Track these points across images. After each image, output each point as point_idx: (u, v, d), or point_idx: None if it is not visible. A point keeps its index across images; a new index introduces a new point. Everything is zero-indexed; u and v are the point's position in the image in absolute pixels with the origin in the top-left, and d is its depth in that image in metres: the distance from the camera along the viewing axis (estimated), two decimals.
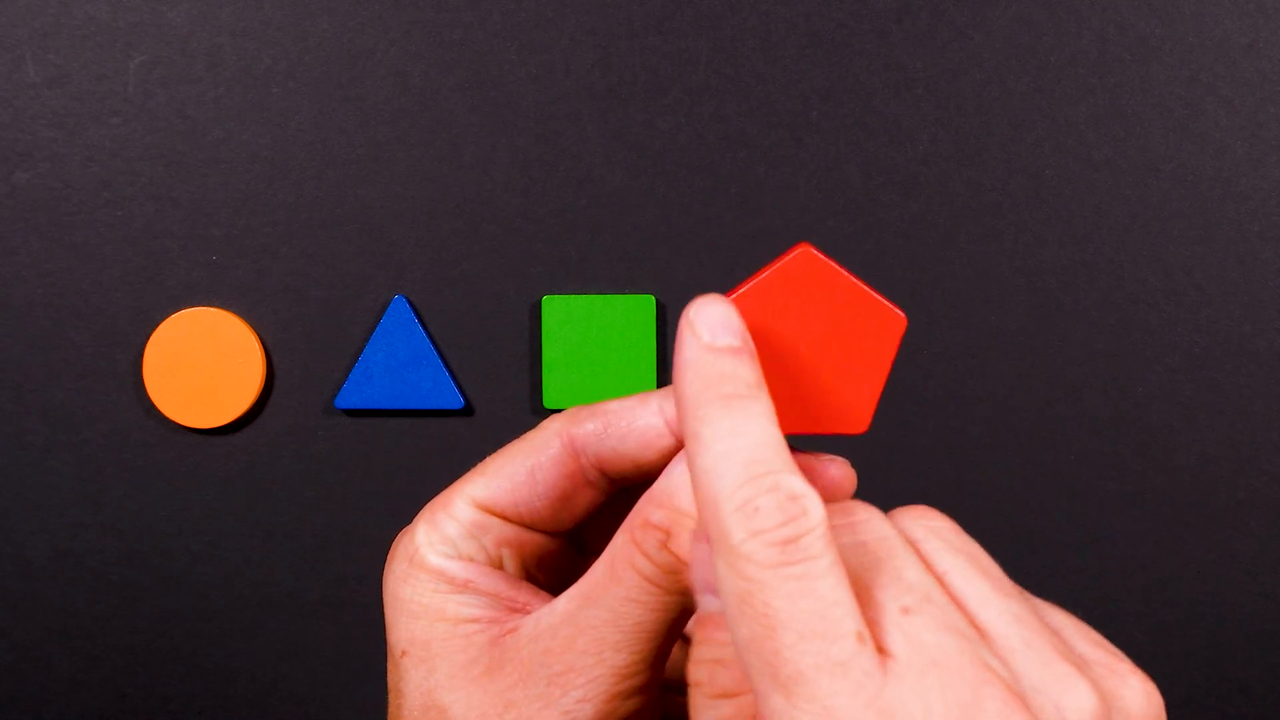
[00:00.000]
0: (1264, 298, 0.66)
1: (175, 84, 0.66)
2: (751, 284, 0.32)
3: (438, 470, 0.67)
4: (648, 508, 0.33)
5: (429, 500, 0.36)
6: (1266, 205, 0.66)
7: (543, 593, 0.35)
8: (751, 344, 0.30)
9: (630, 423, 0.35)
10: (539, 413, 0.67)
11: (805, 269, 0.32)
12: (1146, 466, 0.67)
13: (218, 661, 0.68)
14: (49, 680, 0.68)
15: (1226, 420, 0.66)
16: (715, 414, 0.29)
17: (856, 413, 0.33)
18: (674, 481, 0.33)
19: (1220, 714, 0.67)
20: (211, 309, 0.66)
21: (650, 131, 0.66)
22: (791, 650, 0.27)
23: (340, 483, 0.67)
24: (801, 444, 0.32)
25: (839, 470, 0.33)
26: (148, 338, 0.66)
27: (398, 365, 0.66)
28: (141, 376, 0.67)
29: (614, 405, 0.35)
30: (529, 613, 0.34)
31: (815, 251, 0.32)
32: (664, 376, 0.67)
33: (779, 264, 0.32)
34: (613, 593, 0.33)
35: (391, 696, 0.35)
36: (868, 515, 0.31)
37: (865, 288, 0.32)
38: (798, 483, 0.28)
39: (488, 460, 0.36)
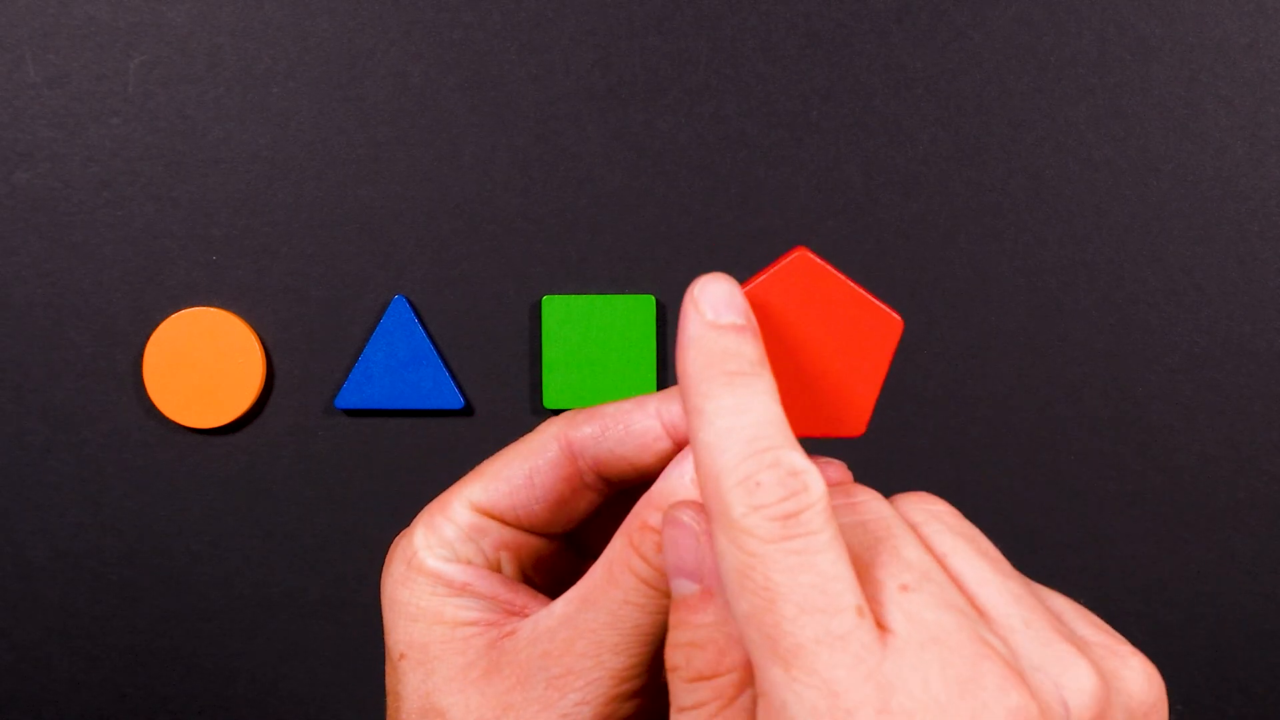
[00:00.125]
0: (1264, 298, 0.66)
1: (175, 84, 0.66)
2: (748, 287, 0.32)
3: (438, 470, 0.67)
4: (646, 510, 0.33)
5: (429, 500, 0.36)
6: (1266, 205, 0.66)
7: (541, 596, 0.35)
8: (755, 323, 0.30)
9: (628, 425, 0.35)
10: (539, 413, 0.67)
11: (802, 272, 0.32)
12: (1146, 466, 0.67)
13: (218, 661, 0.68)
14: (49, 680, 0.68)
15: (1226, 420, 0.66)
16: (718, 390, 0.29)
17: (854, 416, 0.33)
18: (672, 484, 0.33)
19: (1220, 714, 0.67)
20: (211, 309, 0.66)
21: (650, 131, 0.66)
22: (791, 623, 0.27)
23: (340, 483, 0.67)
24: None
25: (836, 473, 0.33)
26: (148, 338, 0.66)
27: (398, 365, 0.66)
28: (141, 376, 0.67)
29: (611, 408, 0.35)
30: (527, 616, 0.34)
31: (812, 255, 0.32)
32: (664, 377, 0.67)
33: (776, 267, 0.32)
34: (611, 595, 0.33)
35: (390, 699, 0.35)
36: (868, 496, 0.31)
37: (862, 291, 0.32)
38: (799, 459, 0.28)
39: (485, 463, 0.36)
